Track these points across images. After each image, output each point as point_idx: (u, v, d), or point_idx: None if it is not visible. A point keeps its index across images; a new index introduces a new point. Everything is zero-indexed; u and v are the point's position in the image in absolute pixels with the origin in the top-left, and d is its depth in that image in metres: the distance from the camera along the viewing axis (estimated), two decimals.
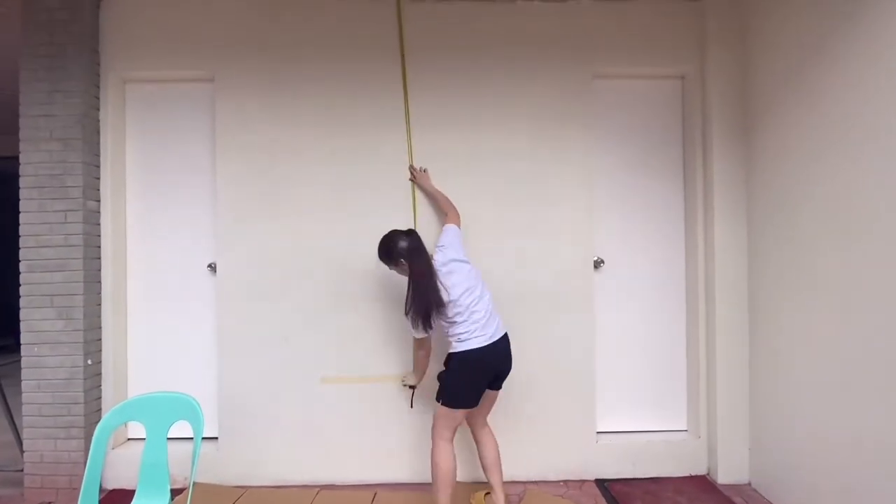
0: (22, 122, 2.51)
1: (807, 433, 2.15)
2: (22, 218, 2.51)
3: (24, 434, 2.51)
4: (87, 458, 2.37)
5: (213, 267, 2.73)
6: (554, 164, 2.67)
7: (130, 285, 2.77)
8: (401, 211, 2.64)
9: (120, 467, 2.58)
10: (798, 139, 2.22)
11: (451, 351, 2.04)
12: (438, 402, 2.03)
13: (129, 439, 2.78)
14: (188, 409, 1.70)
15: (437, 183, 2.62)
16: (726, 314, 2.60)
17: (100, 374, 2.63)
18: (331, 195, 2.65)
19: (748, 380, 2.58)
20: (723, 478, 2.57)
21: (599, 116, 2.79)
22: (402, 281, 2.64)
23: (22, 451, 2.53)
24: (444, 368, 2.09)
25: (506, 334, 2.11)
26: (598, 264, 2.78)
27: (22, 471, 2.52)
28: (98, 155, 2.64)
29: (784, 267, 2.31)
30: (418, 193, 2.65)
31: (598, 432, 2.74)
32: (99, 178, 2.64)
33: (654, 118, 2.83)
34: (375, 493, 2.46)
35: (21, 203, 2.51)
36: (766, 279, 2.45)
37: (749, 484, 2.55)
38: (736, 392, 2.59)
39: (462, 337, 2.00)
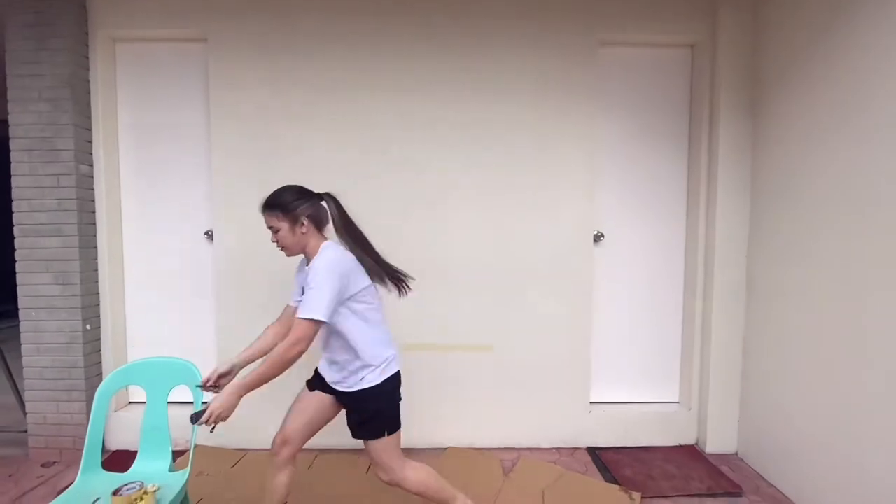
0: (10, 81, 2.44)
1: (796, 406, 2.20)
2: (14, 182, 2.48)
3: (26, 397, 2.56)
4: (89, 421, 2.42)
5: (209, 234, 2.72)
6: (555, 134, 2.63)
7: (127, 251, 2.76)
8: (400, 175, 2.61)
9: (122, 429, 2.64)
10: (809, 113, 2.17)
11: (380, 380, 1.64)
12: (381, 437, 1.66)
13: (130, 403, 2.83)
14: (187, 374, 1.73)
15: (433, 154, 2.59)
16: (724, 289, 2.61)
17: (99, 339, 2.65)
18: (329, 159, 2.61)
19: (741, 353, 2.62)
20: (711, 447, 2.65)
21: (604, 86, 2.72)
22: (412, 241, 2.65)
23: (25, 413, 2.59)
24: (355, 411, 1.68)
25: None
26: (597, 238, 2.77)
27: (26, 432, 2.58)
28: (89, 117, 2.58)
29: (785, 244, 2.31)
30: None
31: (591, 402, 2.80)
32: (91, 142, 2.59)
33: (660, 88, 2.76)
34: None
35: (12, 166, 2.47)
36: (767, 256, 2.45)
37: (736, 454, 2.63)
38: (729, 365, 2.63)
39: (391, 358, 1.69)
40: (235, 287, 2.65)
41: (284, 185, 1.65)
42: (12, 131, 2.46)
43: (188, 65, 2.68)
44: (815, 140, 2.12)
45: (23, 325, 2.52)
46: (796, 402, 2.20)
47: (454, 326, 2.68)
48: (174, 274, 2.76)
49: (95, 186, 2.61)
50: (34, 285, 2.50)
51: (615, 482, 2.31)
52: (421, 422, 2.69)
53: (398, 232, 2.64)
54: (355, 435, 1.68)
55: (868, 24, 1.87)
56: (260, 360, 1.61)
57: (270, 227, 1.62)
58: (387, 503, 2.12)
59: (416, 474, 1.72)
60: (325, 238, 1.65)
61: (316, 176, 2.61)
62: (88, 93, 2.57)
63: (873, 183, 1.83)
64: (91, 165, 2.59)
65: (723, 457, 2.60)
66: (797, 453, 2.19)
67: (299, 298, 1.70)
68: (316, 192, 1.67)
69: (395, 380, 1.68)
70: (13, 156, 2.47)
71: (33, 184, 2.47)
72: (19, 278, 2.51)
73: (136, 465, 1.72)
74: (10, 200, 2.48)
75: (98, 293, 2.64)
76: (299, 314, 1.49)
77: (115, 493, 1.48)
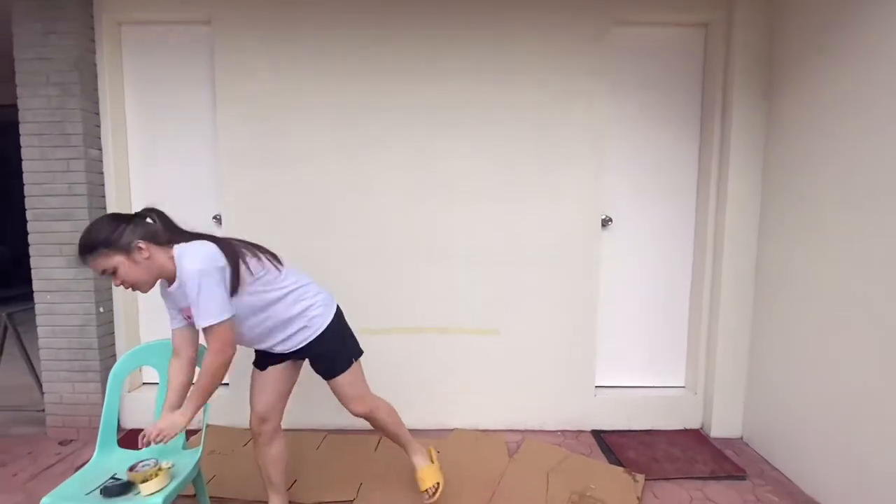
0: (18, 66, 2.45)
1: (800, 393, 2.21)
2: (25, 166, 2.50)
3: (43, 377, 2.63)
4: (104, 400, 2.49)
5: (218, 219, 2.74)
6: (562, 114, 2.60)
7: None
8: (403, 158, 2.61)
9: (136, 409, 2.72)
10: (820, 100, 2.13)
11: (329, 319, 1.70)
12: (351, 364, 1.74)
13: (143, 384, 2.90)
14: (199, 355, 1.76)
15: (437, 136, 2.58)
16: (733, 274, 2.60)
17: (112, 321, 2.71)
18: (333, 141, 2.61)
19: (749, 338, 2.62)
20: (716, 431, 2.67)
21: (615, 66, 2.68)
22: (417, 226, 2.66)
23: (42, 393, 2.66)
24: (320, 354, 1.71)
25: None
26: (605, 223, 2.76)
27: (43, 411, 2.66)
28: (97, 101, 2.59)
29: (795, 230, 2.29)
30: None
31: (596, 386, 2.82)
32: (99, 126, 2.61)
33: (672, 69, 2.71)
34: (380, 438, 2.58)
35: (23, 151, 2.50)
36: (776, 242, 2.42)
37: (741, 438, 2.65)
38: (736, 350, 2.63)
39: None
40: None
41: (90, 223, 1.46)
42: (22, 116, 2.48)
43: (194, 47, 2.67)
44: (825, 128, 2.08)
45: (38, 308, 2.58)
46: (800, 389, 2.21)
47: (460, 311, 2.70)
48: None
49: (105, 170, 2.64)
50: (48, 269, 2.55)
51: (619, 464, 2.35)
52: (427, 403, 2.74)
53: (403, 216, 2.64)
54: (329, 376, 1.72)
55: (885, 11, 1.81)
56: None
57: (105, 272, 1.41)
58: (394, 481, 2.17)
59: (386, 404, 1.89)
60: (171, 248, 1.46)
61: (318, 159, 2.61)
62: (95, 76, 2.58)
63: (881, 174, 1.80)
64: (100, 150, 2.61)
65: (727, 441, 2.62)
66: (800, 439, 2.20)
67: (182, 321, 1.59)
68: (131, 213, 1.51)
69: (339, 312, 1.75)
70: (23, 140, 2.49)
71: (44, 168, 2.50)
72: (33, 262, 2.56)
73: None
74: (22, 184, 2.51)
75: None
76: (204, 324, 1.40)
77: (131, 469, 1.53)
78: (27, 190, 2.52)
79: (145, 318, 2.85)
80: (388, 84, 2.57)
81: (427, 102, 2.58)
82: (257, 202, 2.64)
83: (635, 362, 2.88)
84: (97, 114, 2.60)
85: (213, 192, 2.75)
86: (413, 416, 2.72)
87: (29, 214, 2.53)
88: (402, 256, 2.68)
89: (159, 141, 2.74)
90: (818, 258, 2.13)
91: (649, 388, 2.87)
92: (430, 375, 2.73)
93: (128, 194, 2.76)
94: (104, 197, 2.65)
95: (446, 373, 2.73)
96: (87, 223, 2.48)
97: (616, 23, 2.61)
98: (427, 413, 2.74)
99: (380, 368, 2.71)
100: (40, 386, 2.70)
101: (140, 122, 2.73)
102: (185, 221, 2.59)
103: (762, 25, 2.48)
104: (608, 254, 2.79)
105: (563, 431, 2.74)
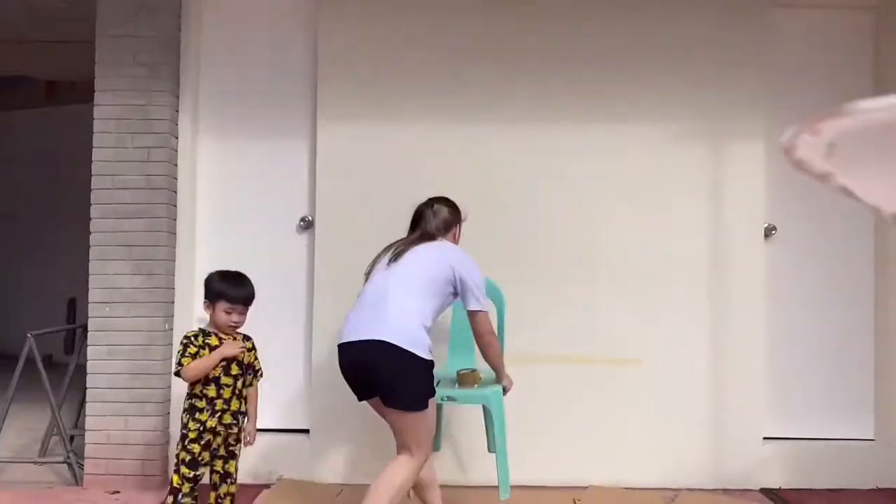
0: (99, 42, 3.32)
1: None
2: (96, 155, 3.31)
3: (89, 409, 3.32)
4: (164, 438, 3.30)
5: (306, 222, 3.52)
6: (720, 106, 3.48)
7: (202, 240, 3.58)
8: (536, 160, 3.46)
9: None
10: None
11: None
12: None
13: None
14: None
15: (573, 133, 3.43)
16: None
17: (171, 342, 3.41)
18: (451, 135, 3.48)
19: None
20: None
21: (779, 54, 3.56)
22: (553, 237, 3.42)
23: (63, 437, 3.38)
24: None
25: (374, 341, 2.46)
26: (769, 232, 3.53)
27: (68, 459, 3.32)
28: (178, 84, 3.45)
29: None
30: None
31: (764, 438, 3.48)
32: (178, 111, 3.45)
33: (840, 57, 3.60)
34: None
35: (95, 137, 3.31)
36: None
37: None
38: None
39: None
40: (334, 284, 3.42)
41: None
42: (98, 98, 3.31)
43: (288, 21, 3.59)
44: None
45: (92, 323, 3.32)
46: None
47: (590, 335, 3.42)
48: (260, 271, 3.53)
49: (179, 161, 3.45)
50: (110, 275, 3.30)
51: None
52: (550, 452, 3.40)
53: (538, 225, 3.47)
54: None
55: None
56: None
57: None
58: None
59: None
60: None
61: (431, 156, 3.43)
62: (179, 56, 3.45)
63: None
64: (177, 137, 3.44)
65: None
66: None
67: None
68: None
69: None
70: (97, 125, 3.31)
71: (119, 158, 3.30)
72: (92, 267, 3.31)
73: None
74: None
75: (174, 287, 3.43)
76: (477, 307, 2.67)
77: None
78: (94, 182, 3.31)
79: None
80: (523, 74, 3.48)
81: (567, 97, 3.48)
82: (356, 200, 3.43)
83: (811, 407, 3.56)
84: (178, 97, 3.44)
85: (301, 191, 3.55)
86: (531, 468, 3.38)
87: (94, 211, 3.31)
88: (519, 270, 3.44)
89: (237, 128, 3.59)
90: None
91: (829, 440, 3.53)
92: (553, 416, 3.41)
93: (194, 188, 3.56)
94: (176, 192, 3.44)
95: (578, 412, 3.43)
96: (164, 221, 3.27)
97: (776, 4, 3.52)
98: (549, 464, 3.39)
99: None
100: (62, 428, 3.38)
101: (217, 106, 3.59)
102: (264, 223, 3.39)
103: None
104: (773, 273, 3.54)
105: (725, 490, 3.37)
